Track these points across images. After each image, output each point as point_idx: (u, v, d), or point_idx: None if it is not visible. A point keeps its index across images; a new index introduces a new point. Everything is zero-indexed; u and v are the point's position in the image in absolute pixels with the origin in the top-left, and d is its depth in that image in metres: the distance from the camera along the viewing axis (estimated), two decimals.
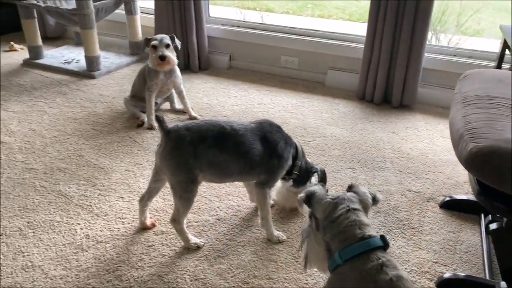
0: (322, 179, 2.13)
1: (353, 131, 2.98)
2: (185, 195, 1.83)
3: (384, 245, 1.24)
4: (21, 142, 2.74)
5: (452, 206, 2.23)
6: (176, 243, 1.97)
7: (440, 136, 2.95)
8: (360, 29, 3.72)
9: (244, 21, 4.10)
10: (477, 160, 1.42)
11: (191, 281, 1.78)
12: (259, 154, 1.86)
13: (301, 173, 2.05)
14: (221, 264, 1.87)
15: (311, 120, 3.11)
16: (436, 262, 1.90)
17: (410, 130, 3.02)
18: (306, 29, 3.79)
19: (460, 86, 1.96)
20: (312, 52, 3.71)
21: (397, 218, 2.16)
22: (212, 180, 1.95)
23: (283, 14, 5.70)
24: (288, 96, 3.49)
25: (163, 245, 1.96)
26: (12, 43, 4.40)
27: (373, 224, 2.10)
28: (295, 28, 3.84)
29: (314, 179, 2.08)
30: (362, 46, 3.41)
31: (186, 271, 1.83)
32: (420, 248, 1.97)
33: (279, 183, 2.13)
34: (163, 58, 2.81)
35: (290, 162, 1.98)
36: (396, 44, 3.19)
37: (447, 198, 2.26)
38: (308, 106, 3.34)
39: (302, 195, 1.39)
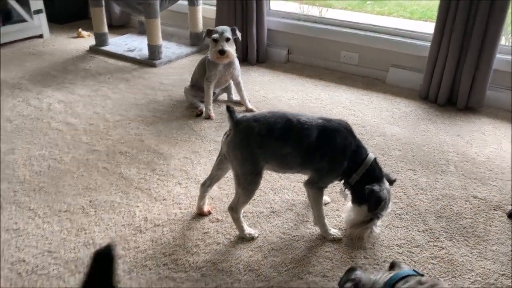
0: (374, 202, 1.82)
1: (415, 131, 2.86)
2: (248, 186, 1.84)
3: None
4: (85, 124, 2.85)
5: None
6: (231, 232, 1.98)
7: (508, 141, 2.77)
8: (422, 27, 3.57)
9: (304, 15, 4.05)
10: None
11: (244, 271, 1.78)
12: (316, 150, 1.81)
13: (357, 190, 1.85)
14: (275, 257, 1.85)
15: (370, 118, 3.02)
16: (503, 274, 1.79)
17: (476, 133, 2.86)
18: (369, 25, 3.69)
19: None
20: (374, 48, 3.61)
21: (460, 224, 2.06)
22: (275, 170, 1.94)
23: (342, 10, 5.59)
24: (347, 93, 3.42)
25: (218, 233, 1.97)
26: (80, 29, 4.60)
27: (435, 229, 2.01)
28: (356, 23, 3.75)
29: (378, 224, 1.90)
30: (428, 44, 3.27)
31: (240, 261, 1.83)
32: (485, 258, 1.86)
33: (349, 205, 1.98)
34: (222, 52, 2.83)
35: (341, 170, 1.83)
36: (465, 44, 3.03)
37: None
38: (368, 103, 3.24)
39: (349, 284, 1.39)
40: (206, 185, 2.03)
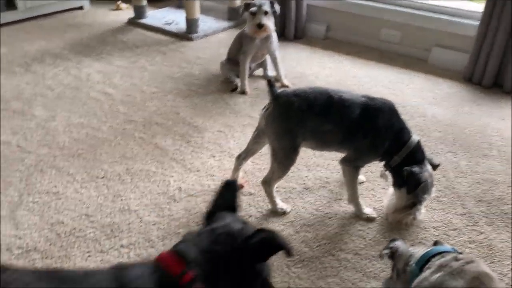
0: (412, 184, 1.75)
1: (457, 113, 2.75)
2: (284, 162, 1.82)
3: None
4: (123, 95, 2.89)
5: None
6: (263, 205, 1.98)
7: None
8: (469, 5, 3.40)
9: None
10: None
11: None
12: (357, 129, 1.76)
13: (398, 172, 1.78)
14: (306, 232, 1.84)
15: (411, 98, 2.92)
16: None
17: None
18: (412, 2, 3.54)
19: None
20: (417, 26, 3.46)
21: (502, 210, 1.98)
22: (312, 147, 1.91)
23: None
24: (386, 71, 3.31)
25: (250, 206, 1.98)
26: (118, 2, 4.64)
27: (474, 213, 1.95)
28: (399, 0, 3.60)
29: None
30: (475, 23, 3.11)
31: None
32: None
33: (391, 190, 1.91)
34: (260, 26, 2.78)
35: (382, 151, 1.78)
36: None
37: None
38: (408, 83, 3.14)
39: (386, 251, 1.40)
40: (241, 158, 2.03)
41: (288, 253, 1.01)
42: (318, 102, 1.75)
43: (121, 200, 1.98)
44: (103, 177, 2.12)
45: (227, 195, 1.16)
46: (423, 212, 1.87)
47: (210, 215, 1.11)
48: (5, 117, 2.57)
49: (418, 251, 1.34)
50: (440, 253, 1.28)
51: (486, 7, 2.95)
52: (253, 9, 2.80)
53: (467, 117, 2.71)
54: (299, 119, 1.74)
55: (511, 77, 2.97)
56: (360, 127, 1.75)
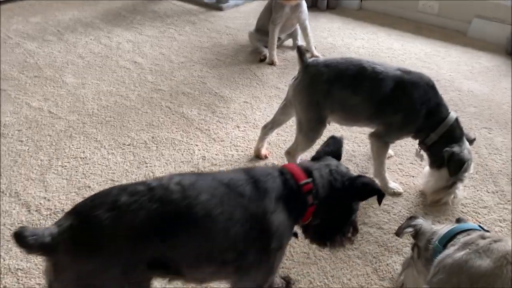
0: (455, 166, 1.67)
1: (495, 88, 2.62)
2: (309, 133, 1.78)
3: None
4: (151, 64, 2.89)
5: None
6: None
7: None
8: None
9: None
10: None
11: None
12: (389, 103, 1.68)
13: (435, 151, 1.72)
14: None
15: (446, 72, 2.80)
16: None
17: None
18: None
19: None
20: None
21: None
22: (339, 122, 1.86)
23: None
24: (422, 44, 3.18)
25: None
26: None
27: (506, 192, 1.86)
28: None
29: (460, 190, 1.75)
30: None
31: None
32: None
33: (426, 169, 1.84)
34: None
35: (415, 127, 1.71)
36: None
37: None
38: (444, 56, 3.00)
39: (410, 229, 1.34)
40: (267, 128, 2.00)
41: (381, 198, 1.22)
42: (349, 73, 1.68)
43: (146, 167, 2.01)
44: (129, 144, 2.15)
45: (334, 145, 1.31)
46: (462, 190, 1.80)
47: (318, 158, 1.27)
48: (37, 84, 2.62)
49: (442, 228, 1.29)
50: (465, 230, 1.23)
51: None
52: None
53: (505, 92, 2.57)
54: (327, 91, 1.68)
55: None
56: (392, 102, 1.67)
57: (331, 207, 1.19)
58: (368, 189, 1.20)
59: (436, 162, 1.73)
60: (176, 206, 1.01)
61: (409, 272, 1.39)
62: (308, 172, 1.17)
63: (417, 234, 1.34)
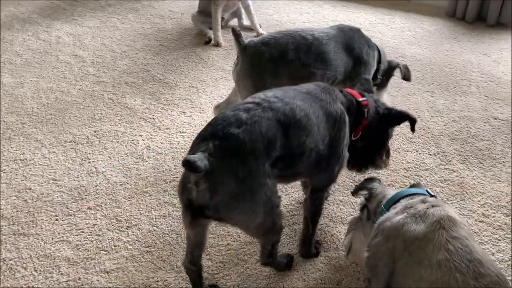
0: (406, 75, 1.85)
1: (437, 51, 2.66)
2: None
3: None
4: (93, 56, 2.80)
5: None
6: None
7: None
8: None
9: None
10: None
11: None
12: (344, 64, 1.70)
13: (385, 75, 1.89)
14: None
15: (390, 39, 2.82)
16: None
17: (505, 52, 2.63)
18: None
19: None
20: None
21: (476, 147, 1.93)
22: None
23: None
24: (367, 13, 3.18)
25: None
26: None
27: (447, 152, 1.91)
28: None
29: None
30: None
31: None
32: (499, 181, 1.76)
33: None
34: None
35: (375, 66, 1.82)
36: None
37: None
38: (389, 24, 3.02)
39: (365, 192, 1.39)
40: (220, 108, 1.95)
41: (413, 124, 1.46)
42: (291, 47, 1.63)
43: (89, 162, 1.96)
44: (71, 141, 2.09)
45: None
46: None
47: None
48: None
49: (391, 193, 1.31)
50: (410, 194, 1.25)
51: None
52: None
53: (447, 55, 2.61)
54: (272, 71, 1.63)
55: (494, 10, 2.84)
56: (346, 59, 1.73)
57: (375, 129, 1.46)
58: (402, 115, 1.47)
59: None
60: (283, 111, 1.23)
61: (356, 235, 1.41)
62: (362, 96, 1.44)
63: (371, 197, 1.37)
